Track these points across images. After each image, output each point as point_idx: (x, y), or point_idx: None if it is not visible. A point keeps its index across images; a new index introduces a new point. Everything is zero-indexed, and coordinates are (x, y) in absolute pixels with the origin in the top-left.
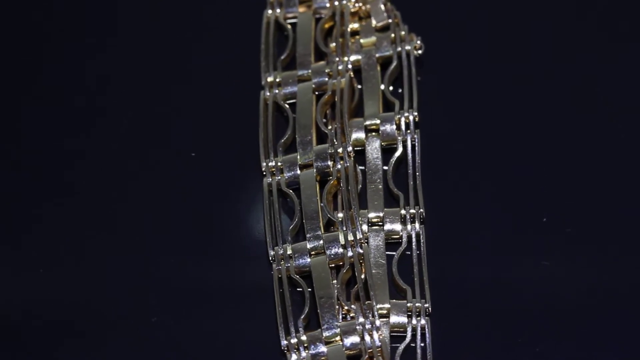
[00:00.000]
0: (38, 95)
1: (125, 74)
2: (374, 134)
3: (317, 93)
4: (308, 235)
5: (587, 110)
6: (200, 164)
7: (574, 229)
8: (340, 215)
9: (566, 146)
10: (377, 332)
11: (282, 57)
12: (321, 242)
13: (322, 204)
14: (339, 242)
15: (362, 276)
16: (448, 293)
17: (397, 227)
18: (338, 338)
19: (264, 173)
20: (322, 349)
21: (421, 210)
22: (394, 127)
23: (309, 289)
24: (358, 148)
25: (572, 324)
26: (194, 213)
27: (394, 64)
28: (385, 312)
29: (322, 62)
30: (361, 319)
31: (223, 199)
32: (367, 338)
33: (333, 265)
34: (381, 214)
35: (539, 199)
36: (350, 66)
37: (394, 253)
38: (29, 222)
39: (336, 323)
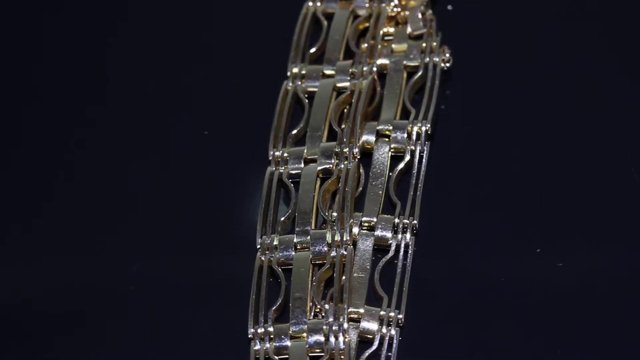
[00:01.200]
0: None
1: (152, 48)
2: (384, 139)
3: (337, 91)
4: (297, 229)
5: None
6: (213, 144)
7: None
8: (335, 214)
9: (578, 177)
10: (343, 335)
11: (312, 51)
12: (308, 237)
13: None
14: (325, 240)
15: (344, 278)
16: (426, 308)
17: (388, 234)
18: (305, 335)
19: (270, 162)
20: (287, 343)
21: (415, 222)
22: (405, 135)
23: (287, 283)
24: (367, 151)
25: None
26: (194, 194)
27: (419, 73)
28: (357, 316)
29: (348, 61)
30: (330, 320)
31: (227, 183)
32: (332, 339)
33: (317, 262)
34: (374, 220)
35: (537, 225)
36: (375, 69)
37: (381, 259)
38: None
39: (305, 319)
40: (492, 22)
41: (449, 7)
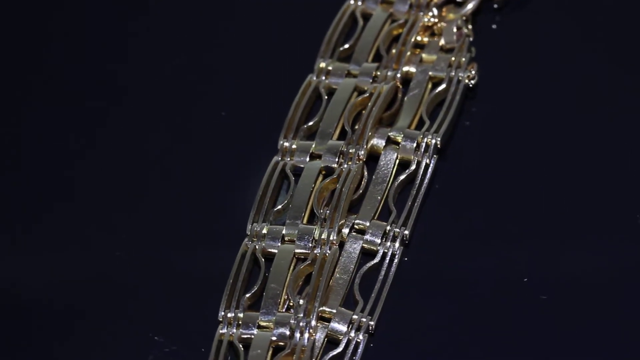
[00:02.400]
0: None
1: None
2: (394, 146)
3: (359, 92)
4: (288, 222)
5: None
6: (229, 127)
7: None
8: (327, 212)
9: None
10: (309, 332)
11: (342, 48)
12: (296, 231)
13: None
14: (312, 236)
15: (321, 276)
16: (401, 319)
17: (377, 240)
18: (272, 326)
19: (278, 151)
20: (253, 331)
21: (406, 232)
22: (414, 145)
23: (267, 273)
24: (376, 155)
25: None
26: (200, 178)
27: (443, 86)
28: (329, 316)
29: (374, 64)
30: (299, 315)
31: (233, 168)
32: (297, 335)
33: (300, 257)
34: (367, 224)
35: (528, 259)
36: (399, 75)
37: (366, 264)
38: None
39: (275, 311)
40: (532, 46)
41: (497, 5)
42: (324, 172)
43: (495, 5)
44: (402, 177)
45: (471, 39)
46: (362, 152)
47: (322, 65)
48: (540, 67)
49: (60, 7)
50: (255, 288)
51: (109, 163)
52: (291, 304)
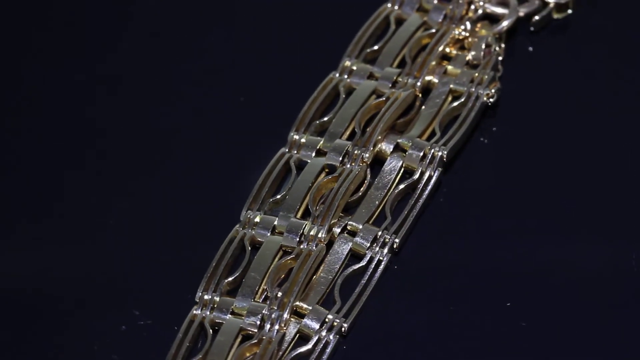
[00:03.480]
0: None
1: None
2: (401, 153)
3: (377, 95)
4: (281, 214)
5: None
6: (245, 116)
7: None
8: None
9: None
10: (280, 325)
11: (370, 50)
12: (287, 224)
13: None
14: (301, 231)
15: (301, 272)
16: (375, 326)
17: (367, 244)
18: (245, 313)
19: (287, 143)
20: (226, 316)
21: (397, 240)
22: (421, 155)
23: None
24: (382, 160)
25: None
26: (208, 162)
27: (460, 100)
28: (304, 312)
29: (396, 70)
30: (273, 307)
31: (243, 156)
32: (267, 326)
33: (287, 250)
34: (360, 227)
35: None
36: (419, 84)
37: (351, 266)
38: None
39: (250, 299)
40: (563, 74)
41: (533, 27)
42: (327, 170)
43: (532, 28)
44: (402, 185)
45: (501, 57)
46: (367, 155)
47: (347, 64)
48: (567, 95)
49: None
50: (237, 274)
51: (120, 138)
52: (269, 295)
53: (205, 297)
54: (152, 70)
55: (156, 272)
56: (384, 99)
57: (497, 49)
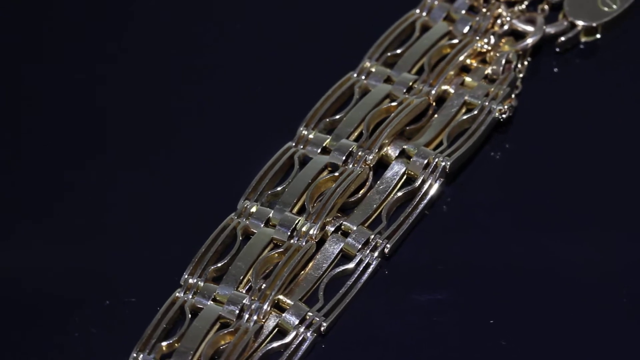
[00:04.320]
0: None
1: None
2: (405, 160)
3: (391, 99)
4: (277, 207)
5: None
6: (259, 109)
7: None
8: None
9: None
10: (257, 316)
11: (391, 54)
12: (281, 217)
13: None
14: (293, 226)
15: (287, 266)
16: (355, 329)
17: (358, 246)
18: (226, 302)
19: (294, 138)
20: (207, 302)
21: (388, 245)
22: (424, 163)
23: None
24: (387, 164)
25: None
26: (215, 150)
27: (472, 113)
28: (286, 307)
29: (413, 76)
30: (254, 298)
31: (250, 147)
32: (246, 316)
33: (277, 244)
34: (354, 228)
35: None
36: (433, 92)
37: (339, 266)
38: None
39: (232, 288)
40: (583, 98)
41: (559, 48)
42: (329, 169)
43: (557, 49)
44: (401, 192)
45: (522, 75)
46: (371, 157)
47: (367, 65)
48: (584, 118)
49: None
50: (224, 262)
51: (128, 124)
52: (252, 286)
53: (190, 281)
54: (161, 61)
55: (151, 253)
56: (396, 103)
57: (520, 66)
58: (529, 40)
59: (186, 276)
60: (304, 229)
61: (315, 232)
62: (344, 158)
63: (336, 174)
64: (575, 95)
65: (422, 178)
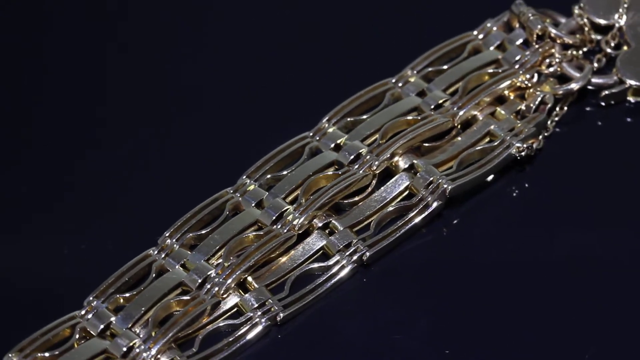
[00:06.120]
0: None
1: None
2: (411, 174)
3: (418, 112)
4: (272, 191)
5: None
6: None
7: None
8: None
9: None
10: (217, 290)
11: (434, 69)
12: (271, 202)
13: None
14: (279, 213)
15: (260, 250)
16: (312, 324)
17: (339, 246)
18: (192, 269)
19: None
20: (175, 267)
21: (368, 253)
22: (428, 181)
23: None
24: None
25: None
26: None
27: (491, 144)
28: (250, 289)
29: (445, 95)
30: (220, 272)
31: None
32: (206, 286)
33: (260, 226)
34: (340, 228)
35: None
36: (460, 114)
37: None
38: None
39: (202, 258)
40: (611, 156)
41: (603, 101)
42: (336, 167)
43: (603, 103)
44: (398, 205)
45: (557, 118)
46: (377, 164)
47: (407, 73)
48: (607, 177)
49: None
50: (204, 232)
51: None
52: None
53: (168, 242)
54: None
55: (146, 214)
56: (419, 117)
57: (557, 109)
58: (571, 86)
59: (166, 236)
60: (289, 217)
61: (298, 223)
62: (351, 158)
63: (339, 172)
64: (607, 150)
65: (421, 195)
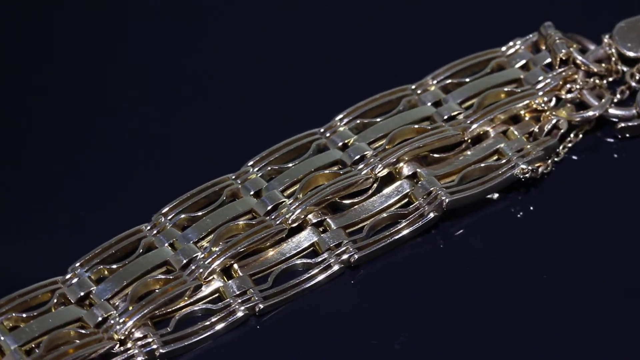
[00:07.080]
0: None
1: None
2: (413, 182)
3: (430, 122)
4: (270, 182)
5: None
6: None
7: None
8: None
9: None
10: (199, 272)
11: (455, 81)
12: (268, 192)
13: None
14: (273, 204)
15: (248, 239)
16: (291, 318)
17: (329, 245)
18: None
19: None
20: (163, 245)
21: (356, 255)
22: (427, 191)
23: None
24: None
25: None
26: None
27: (497, 163)
28: (234, 276)
29: (459, 108)
30: (204, 255)
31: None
32: (191, 267)
33: (254, 215)
34: (333, 227)
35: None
36: (471, 128)
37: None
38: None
39: (193, 239)
40: (622, 190)
41: (618, 133)
42: (339, 166)
43: (619, 135)
44: (395, 211)
45: (570, 144)
46: (380, 167)
47: (428, 82)
48: (613, 209)
49: None
50: (199, 214)
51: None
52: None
53: (161, 219)
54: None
55: (148, 190)
56: (430, 127)
57: (571, 136)
58: (588, 114)
59: (162, 213)
60: (283, 210)
61: (291, 217)
62: (354, 159)
63: (341, 172)
64: (616, 182)
65: (417, 204)
